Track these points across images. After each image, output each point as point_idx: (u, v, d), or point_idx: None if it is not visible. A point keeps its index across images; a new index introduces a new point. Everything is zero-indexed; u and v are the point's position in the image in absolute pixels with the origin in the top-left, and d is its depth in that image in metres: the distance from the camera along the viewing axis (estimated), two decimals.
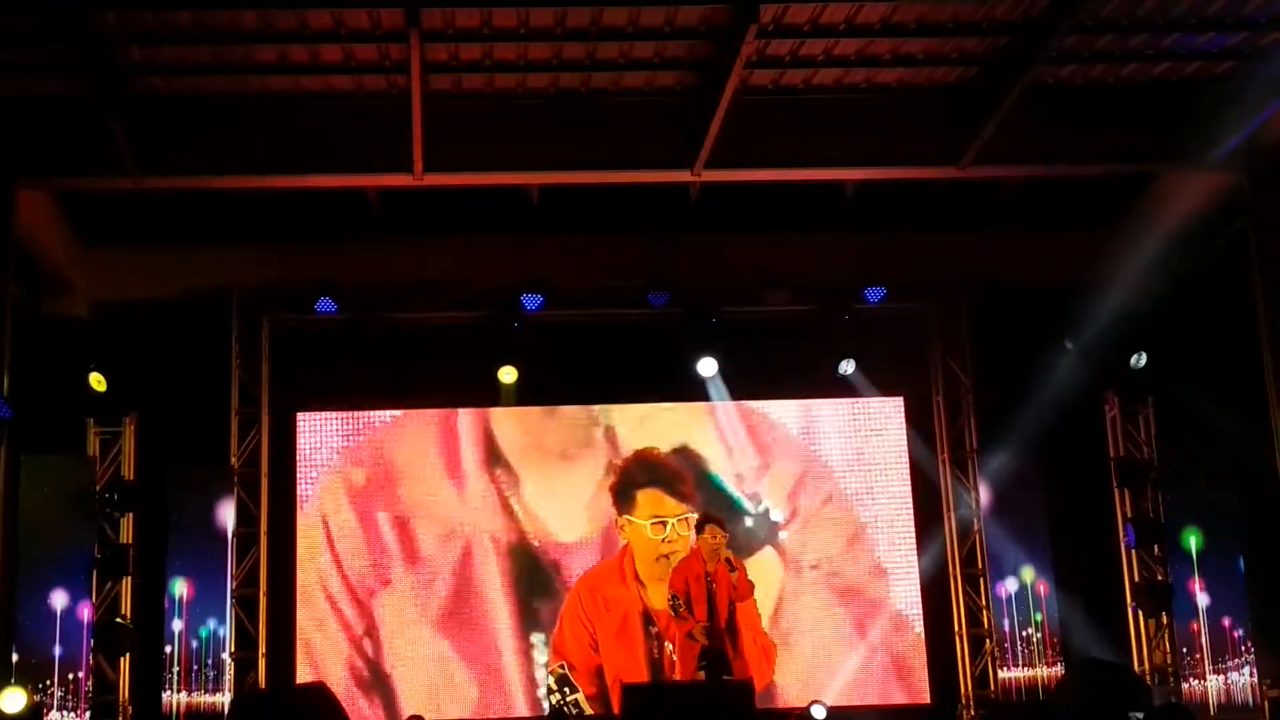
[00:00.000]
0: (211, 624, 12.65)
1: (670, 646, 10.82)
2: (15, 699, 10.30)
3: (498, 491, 13.28)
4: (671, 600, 10.18)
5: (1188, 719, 9.14)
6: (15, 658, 11.33)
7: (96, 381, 12.03)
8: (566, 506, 13.34)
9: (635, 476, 13.42)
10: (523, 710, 12.92)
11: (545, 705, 12.85)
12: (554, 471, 13.41)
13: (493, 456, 13.36)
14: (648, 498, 13.37)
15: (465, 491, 13.29)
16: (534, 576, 13.20)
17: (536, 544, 13.21)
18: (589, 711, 12.76)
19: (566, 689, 12.96)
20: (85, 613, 11.94)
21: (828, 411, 13.73)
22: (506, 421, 13.46)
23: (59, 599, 11.81)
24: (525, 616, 13.11)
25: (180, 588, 12.63)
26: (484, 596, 13.12)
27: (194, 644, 12.58)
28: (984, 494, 13.47)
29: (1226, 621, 12.67)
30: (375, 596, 13.03)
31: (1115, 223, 12.50)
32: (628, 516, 13.32)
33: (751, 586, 10.25)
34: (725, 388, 13.44)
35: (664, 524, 13.23)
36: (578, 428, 13.52)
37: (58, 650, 11.70)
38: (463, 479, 13.31)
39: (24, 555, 11.44)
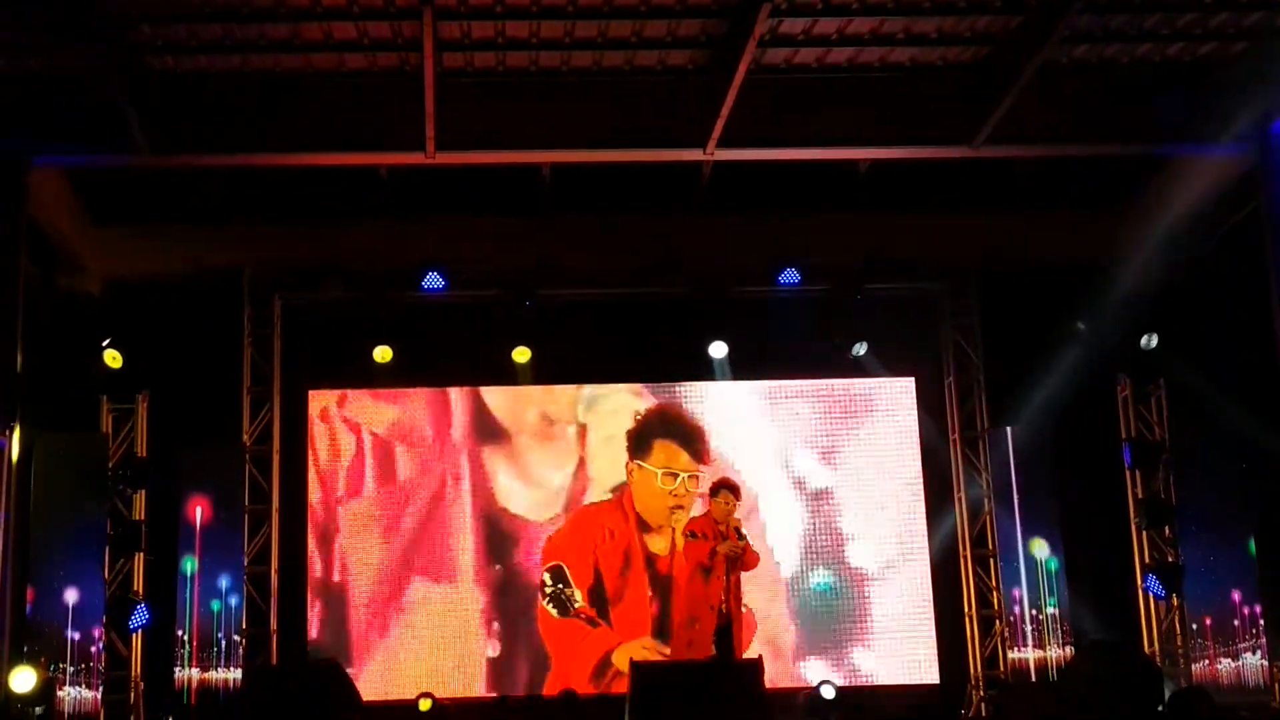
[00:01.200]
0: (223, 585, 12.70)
1: (678, 574, 10.65)
2: (25, 678, 10.34)
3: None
4: (690, 534, 10.09)
5: (1206, 701, 9.16)
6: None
7: (112, 358, 12.06)
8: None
9: (655, 426, 13.58)
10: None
11: (542, 596, 13.13)
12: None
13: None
14: (663, 448, 13.53)
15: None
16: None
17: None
18: (581, 604, 13.07)
19: (562, 584, 13.16)
20: (98, 589, 11.97)
21: (839, 392, 13.75)
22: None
23: (73, 575, 11.83)
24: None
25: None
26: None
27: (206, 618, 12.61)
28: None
29: (1236, 596, 12.65)
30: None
31: (1128, 203, 12.48)
32: (639, 462, 13.47)
33: (756, 559, 10.23)
34: (730, 372, 13.51)
35: (674, 476, 13.40)
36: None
37: (71, 627, 11.73)
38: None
39: (38, 530, 11.49)
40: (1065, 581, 13.15)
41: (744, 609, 10.22)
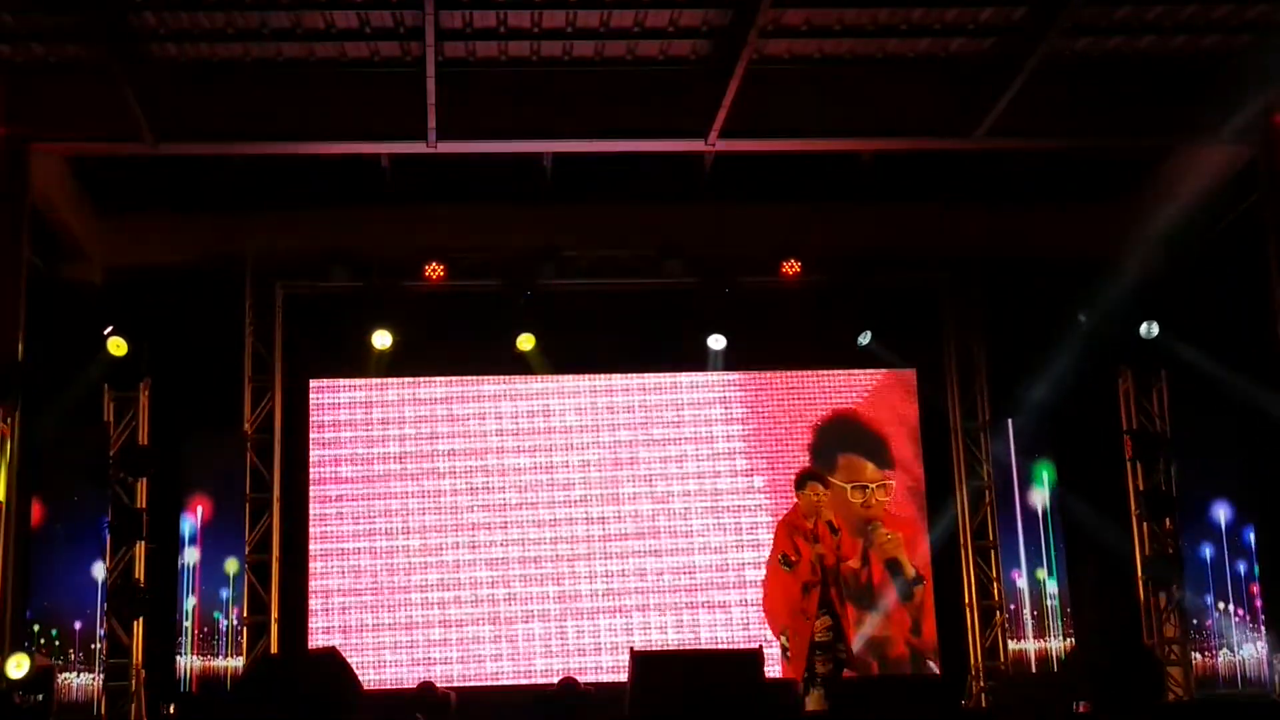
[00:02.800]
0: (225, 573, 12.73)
1: (769, 583, 10.26)
2: (20, 663, 10.34)
3: None
4: (782, 558, 9.84)
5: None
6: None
7: (116, 345, 12.05)
8: None
9: (835, 438, 13.52)
10: None
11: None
12: None
13: None
14: (847, 462, 13.43)
15: None
16: None
17: None
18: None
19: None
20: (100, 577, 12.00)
21: (841, 383, 13.76)
22: None
23: (74, 563, 11.86)
24: None
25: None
26: None
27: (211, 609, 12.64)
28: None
29: (1236, 588, 12.66)
30: None
31: (1130, 196, 12.48)
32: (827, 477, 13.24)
33: (855, 546, 10.00)
34: (725, 363, 13.51)
35: (864, 489, 13.28)
36: None
37: (72, 614, 11.76)
38: None
39: (48, 517, 11.54)
40: (1067, 573, 13.17)
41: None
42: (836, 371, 13.77)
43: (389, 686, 12.88)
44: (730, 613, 13.20)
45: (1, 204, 10.81)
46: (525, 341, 13.11)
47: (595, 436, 13.55)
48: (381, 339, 12.96)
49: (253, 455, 13.05)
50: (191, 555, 12.62)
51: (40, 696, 10.33)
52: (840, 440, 13.54)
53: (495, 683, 13.01)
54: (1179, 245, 12.12)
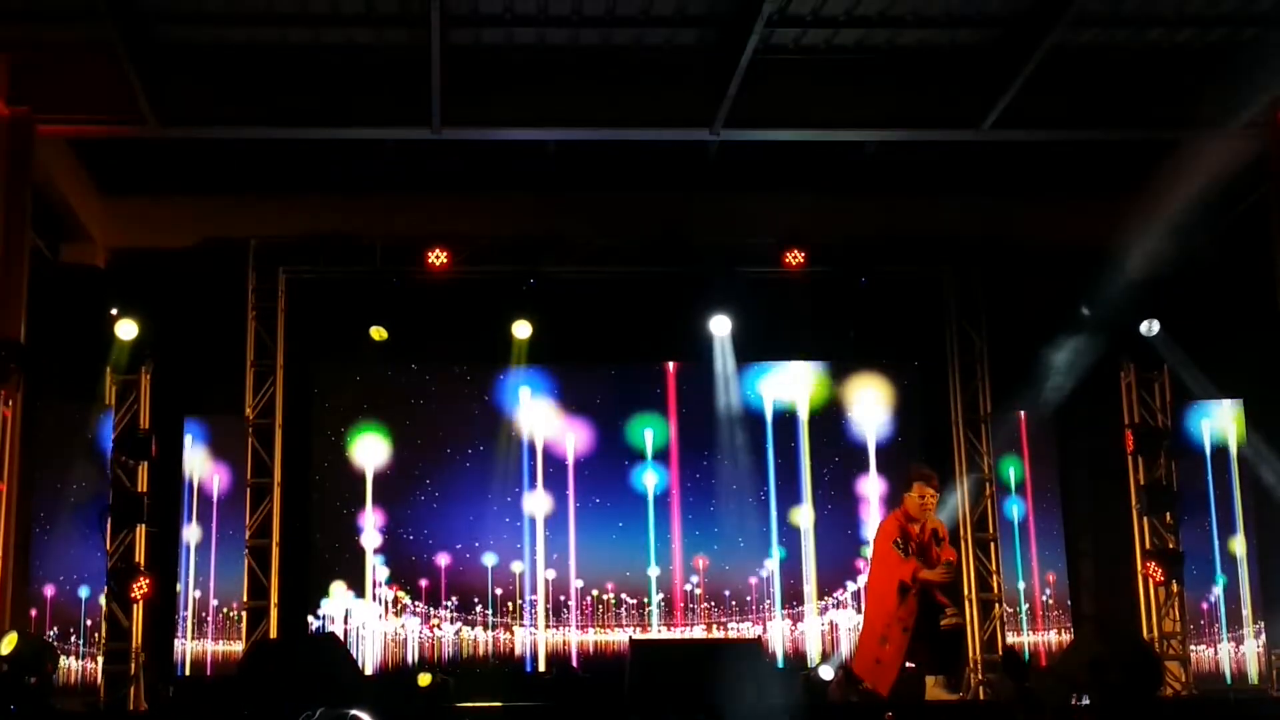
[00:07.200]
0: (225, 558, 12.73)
1: (873, 584, 9.28)
2: (9, 643, 10.30)
3: None
4: (896, 544, 9.22)
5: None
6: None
7: (124, 328, 12.03)
8: None
9: None
10: None
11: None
12: None
13: None
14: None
15: None
16: None
17: None
18: None
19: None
20: (99, 560, 12.01)
21: (841, 375, 13.76)
22: None
23: (74, 546, 11.88)
24: None
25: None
26: None
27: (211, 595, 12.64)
28: None
29: (1236, 583, 12.68)
30: None
31: (1135, 188, 12.45)
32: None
33: (952, 554, 9.42)
34: (731, 350, 13.46)
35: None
36: None
37: (72, 598, 11.78)
38: None
39: (40, 501, 11.55)
40: (1066, 566, 13.17)
41: None
42: (836, 362, 13.78)
43: (388, 670, 12.89)
44: (729, 606, 13.27)
45: (5, 185, 10.77)
46: (521, 329, 13.09)
47: (594, 424, 13.55)
48: (377, 333, 12.91)
49: (254, 440, 13.04)
50: (192, 539, 12.63)
51: (34, 679, 10.30)
52: None
53: (494, 667, 13.03)
54: (1185, 238, 12.11)
